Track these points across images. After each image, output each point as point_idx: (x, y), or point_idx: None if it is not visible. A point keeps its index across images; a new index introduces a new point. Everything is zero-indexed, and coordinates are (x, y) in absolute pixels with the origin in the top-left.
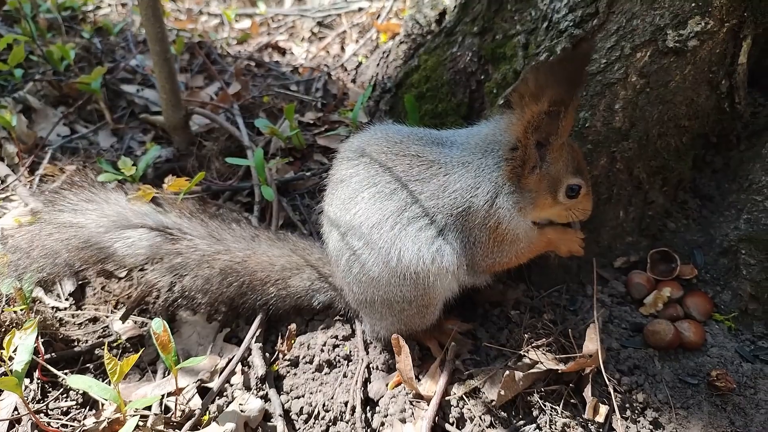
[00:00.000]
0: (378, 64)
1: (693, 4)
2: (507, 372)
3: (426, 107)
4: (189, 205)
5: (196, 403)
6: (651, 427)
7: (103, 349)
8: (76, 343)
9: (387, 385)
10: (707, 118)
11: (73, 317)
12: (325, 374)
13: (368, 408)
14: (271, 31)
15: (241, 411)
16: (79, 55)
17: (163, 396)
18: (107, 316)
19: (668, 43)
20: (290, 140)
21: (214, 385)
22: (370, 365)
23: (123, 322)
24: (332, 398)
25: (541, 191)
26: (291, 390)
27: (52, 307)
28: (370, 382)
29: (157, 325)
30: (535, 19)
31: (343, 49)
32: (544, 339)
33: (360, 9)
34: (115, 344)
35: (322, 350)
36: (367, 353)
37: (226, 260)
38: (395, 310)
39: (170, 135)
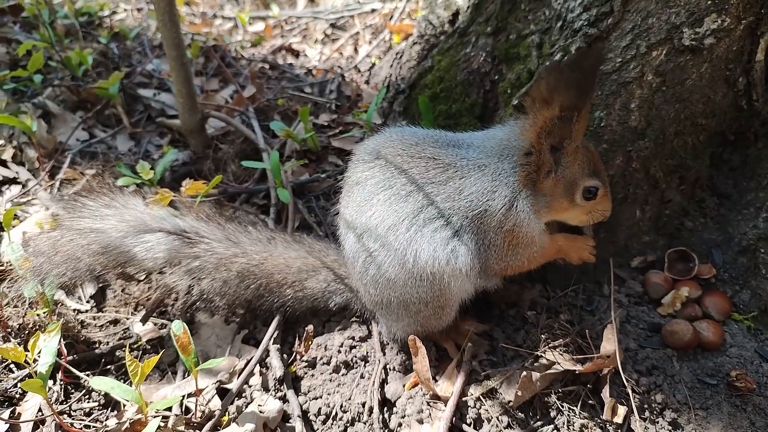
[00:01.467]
0: (391, 65)
1: (709, 2)
2: (524, 373)
3: (440, 108)
4: (205, 208)
5: (216, 404)
6: (670, 427)
7: (123, 351)
8: (97, 345)
9: (404, 386)
10: (724, 116)
11: (94, 319)
12: (343, 375)
13: (385, 409)
14: (285, 34)
15: (260, 412)
16: (96, 60)
17: (183, 397)
18: (128, 319)
19: (684, 41)
20: (305, 142)
21: (233, 386)
22: (387, 366)
23: (143, 324)
24: (350, 399)
25: (557, 194)
26: (309, 391)
27: (74, 310)
28: (387, 383)
29: (177, 327)
30: (549, 18)
31: (356, 50)
32: (561, 339)
33: (373, 10)
34: (135, 346)
35: (339, 351)
36: (384, 354)
37: (243, 263)
38: (411, 311)
39: (187, 138)
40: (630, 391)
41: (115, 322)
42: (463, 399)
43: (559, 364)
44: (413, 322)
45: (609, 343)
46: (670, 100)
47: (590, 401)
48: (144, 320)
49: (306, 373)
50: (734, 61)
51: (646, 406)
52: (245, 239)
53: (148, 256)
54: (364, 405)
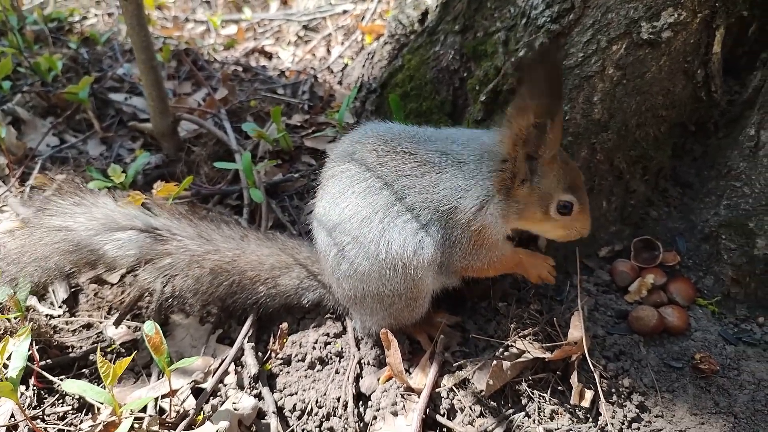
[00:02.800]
0: (363, 66)
1: None
2: (495, 362)
3: (411, 106)
4: (177, 207)
5: (191, 403)
6: (637, 410)
7: (94, 355)
8: (70, 350)
9: (378, 379)
10: (684, 108)
11: (67, 324)
12: (318, 371)
13: (360, 403)
14: (258, 36)
15: (235, 409)
16: (66, 66)
17: (157, 398)
18: (101, 322)
19: (643, 35)
20: (278, 143)
21: (208, 385)
22: (362, 361)
23: (116, 327)
24: (325, 394)
25: (531, 204)
26: (284, 388)
27: (46, 315)
28: (362, 378)
29: (149, 328)
30: (514, 15)
31: (329, 51)
32: (530, 329)
33: (344, 11)
34: (109, 349)
35: (314, 348)
36: (359, 349)
37: (215, 260)
38: (385, 304)
39: (159, 141)
40: (598, 376)
41: (88, 326)
42: (437, 390)
43: (528, 352)
44: (387, 315)
45: (576, 330)
46: (631, 92)
47: (560, 387)
48: (117, 323)
49: (281, 371)
50: (692, 54)
51: (613, 390)
52: (218, 236)
53: (119, 253)
54: (338, 400)
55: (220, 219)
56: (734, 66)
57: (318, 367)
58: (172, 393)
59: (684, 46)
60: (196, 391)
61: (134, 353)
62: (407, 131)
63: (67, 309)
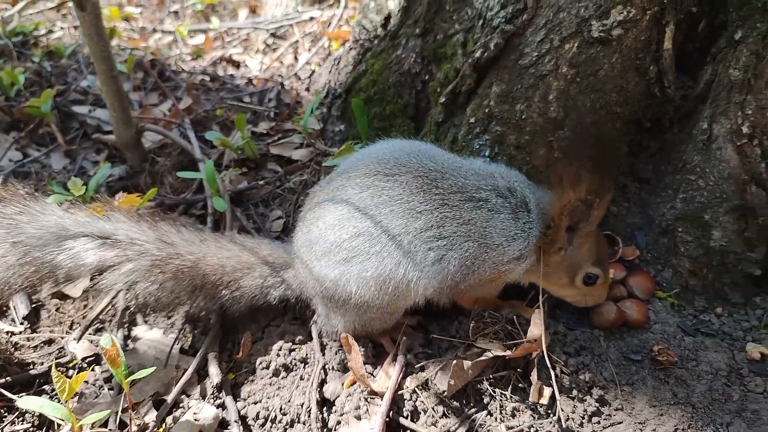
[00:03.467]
0: (330, 71)
1: None
2: (455, 362)
3: (375, 110)
4: (134, 210)
5: (152, 416)
6: (597, 404)
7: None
8: (31, 366)
9: (343, 384)
10: (639, 104)
11: (28, 340)
12: (282, 378)
13: (325, 408)
14: (225, 45)
15: (195, 420)
16: (30, 80)
17: (118, 411)
18: (62, 338)
19: (593, 33)
20: (243, 151)
21: (169, 396)
22: (326, 366)
23: (77, 342)
24: (289, 401)
25: (559, 270)
26: (248, 396)
27: (6, 332)
28: (326, 383)
29: (106, 341)
30: (472, 17)
31: (296, 58)
32: (491, 327)
33: (311, 18)
34: (71, 365)
35: (278, 355)
36: (323, 355)
37: (178, 264)
38: (361, 311)
39: (123, 153)
40: (559, 372)
41: (49, 342)
42: (400, 392)
43: (489, 351)
44: (358, 320)
45: (536, 328)
46: (585, 90)
47: (521, 385)
48: (78, 338)
49: (246, 379)
50: (643, 51)
51: (574, 385)
52: (179, 240)
53: (74, 264)
54: (302, 406)
55: (179, 222)
56: (687, 62)
57: (283, 374)
58: (131, 406)
59: (635, 43)
60: (159, 403)
61: (92, 367)
62: (452, 162)
63: (29, 325)
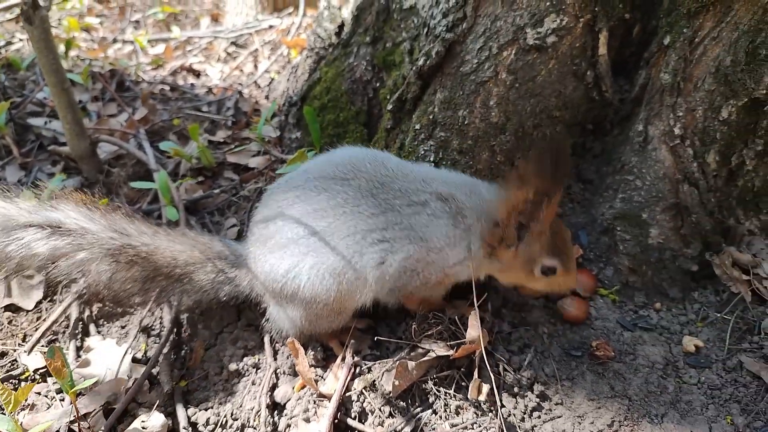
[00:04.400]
0: (288, 79)
1: (548, 3)
2: (399, 362)
3: (328, 117)
4: (85, 197)
5: (101, 425)
6: (538, 399)
7: (8, 384)
8: None
9: (293, 387)
10: (579, 108)
11: None
12: (234, 384)
13: (276, 411)
14: (187, 54)
15: (143, 428)
16: None
17: (69, 422)
18: (14, 350)
19: (529, 40)
20: (199, 160)
21: (118, 405)
22: (278, 370)
23: (28, 354)
24: (240, 406)
25: (514, 266)
26: (200, 402)
27: None
28: (278, 387)
29: (50, 352)
30: (417, 26)
31: (256, 66)
32: (434, 328)
33: (271, 26)
34: (23, 377)
35: (231, 360)
36: (275, 359)
37: (131, 254)
38: (309, 306)
39: (78, 164)
40: (501, 370)
41: (2, 354)
42: (348, 394)
43: (433, 351)
44: (304, 315)
45: (473, 330)
46: (525, 95)
47: (464, 383)
48: (30, 350)
49: (199, 386)
50: (579, 57)
51: (515, 381)
52: (133, 230)
53: (25, 253)
54: (253, 410)
55: (132, 213)
56: (624, 66)
57: (235, 379)
58: (79, 416)
59: (570, 49)
60: (109, 413)
61: (37, 380)
62: (402, 168)
63: None
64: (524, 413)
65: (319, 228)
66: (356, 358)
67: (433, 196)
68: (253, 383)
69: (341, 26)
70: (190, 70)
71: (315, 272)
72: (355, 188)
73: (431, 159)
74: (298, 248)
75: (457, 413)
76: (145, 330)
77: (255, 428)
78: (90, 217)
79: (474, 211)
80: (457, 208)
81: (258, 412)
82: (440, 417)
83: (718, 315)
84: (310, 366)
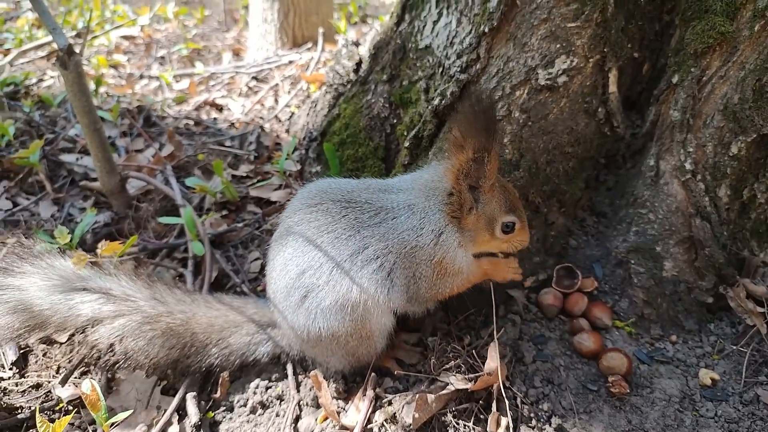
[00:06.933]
0: (308, 114)
1: (558, 45)
2: (419, 395)
3: (348, 153)
4: (130, 267)
5: None
6: None
7: (44, 415)
8: (19, 411)
9: (316, 419)
10: (591, 143)
11: (16, 386)
12: (259, 415)
13: None
14: (210, 89)
15: None
16: (21, 129)
17: None
18: (49, 382)
19: (540, 81)
20: (223, 194)
21: None
22: (301, 402)
23: (62, 386)
24: None
25: (480, 229)
26: None
27: None
28: (301, 419)
29: (86, 386)
30: (433, 65)
31: (276, 101)
32: (453, 361)
33: (290, 62)
34: (57, 408)
35: (255, 393)
36: (298, 391)
37: (168, 322)
38: (338, 343)
39: (108, 199)
40: (519, 403)
41: (37, 386)
42: (369, 426)
43: (451, 384)
44: (341, 353)
45: (492, 361)
46: (537, 133)
47: (482, 416)
48: (63, 382)
49: (224, 417)
50: (590, 95)
51: (533, 414)
52: (171, 299)
53: (71, 314)
54: None
55: (171, 281)
56: (635, 101)
57: (260, 411)
58: None
59: (581, 88)
60: None
61: (73, 411)
62: (363, 184)
63: (17, 370)
64: None
65: (304, 265)
66: (377, 390)
67: (390, 200)
68: (277, 415)
69: (359, 64)
70: (214, 105)
71: (323, 311)
72: (325, 212)
73: None
74: (298, 293)
75: None
76: (181, 371)
77: None
78: (134, 285)
79: (422, 193)
80: (407, 199)
81: None
82: None
83: (734, 347)
84: (333, 398)
